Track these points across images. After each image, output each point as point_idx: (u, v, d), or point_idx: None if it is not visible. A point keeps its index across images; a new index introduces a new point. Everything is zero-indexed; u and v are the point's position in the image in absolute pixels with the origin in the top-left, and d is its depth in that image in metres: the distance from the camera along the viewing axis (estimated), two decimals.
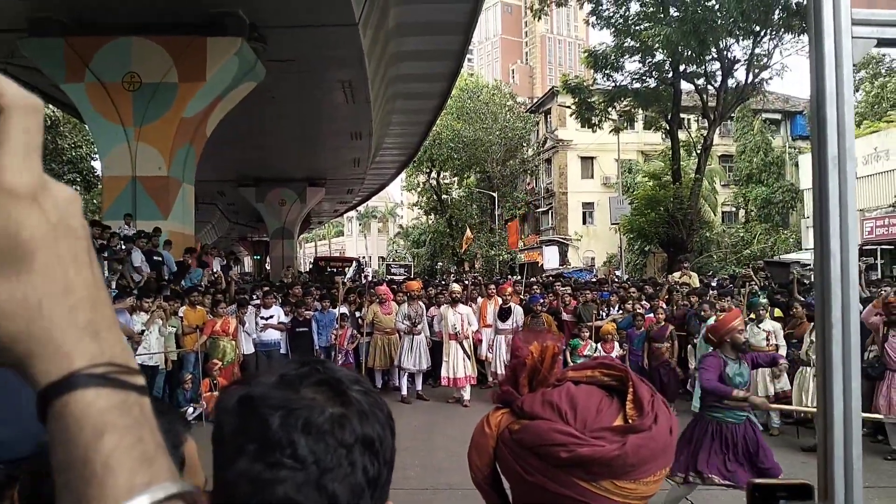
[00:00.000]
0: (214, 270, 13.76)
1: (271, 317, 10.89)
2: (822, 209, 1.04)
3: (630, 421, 1.08)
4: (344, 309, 11.63)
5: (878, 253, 27.42)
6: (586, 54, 23.06)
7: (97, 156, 18.57)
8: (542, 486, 1.06)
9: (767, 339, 9.08)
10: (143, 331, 8.85)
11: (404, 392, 10.89)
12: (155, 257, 12.13)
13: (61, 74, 12.37)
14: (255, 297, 11.82)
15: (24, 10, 11.76)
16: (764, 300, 9.90)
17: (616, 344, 10.27)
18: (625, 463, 1.03)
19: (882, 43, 1.09)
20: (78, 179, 30.03)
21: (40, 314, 0.44)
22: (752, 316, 9.43)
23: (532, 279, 18.50)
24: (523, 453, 1.09)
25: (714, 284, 15.59)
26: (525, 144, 42.02)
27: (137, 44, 12.24)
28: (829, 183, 1.03)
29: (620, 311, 11.89)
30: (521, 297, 13.10)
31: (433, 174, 43.87)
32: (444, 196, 45.11)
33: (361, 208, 57.53)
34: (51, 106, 24.10)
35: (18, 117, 0.46)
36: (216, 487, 0.70)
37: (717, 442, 5.18)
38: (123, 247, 11.59)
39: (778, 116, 38.77)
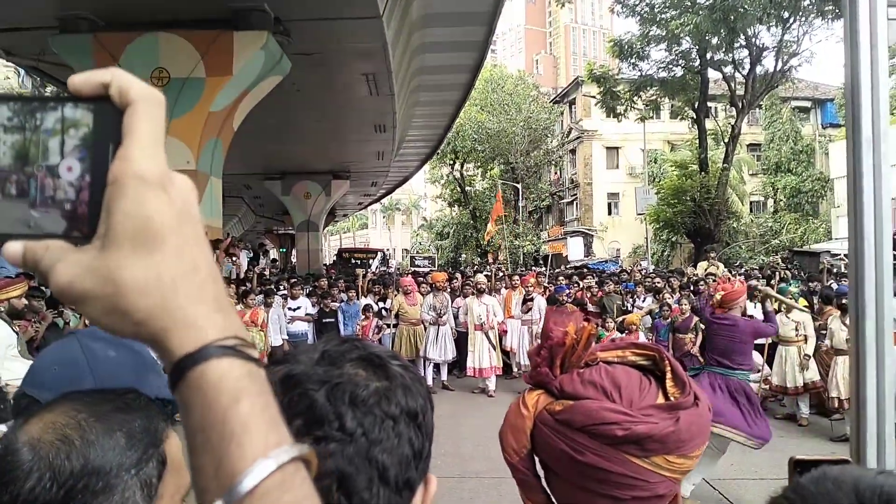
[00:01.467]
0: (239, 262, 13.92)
1: (299, 308, 11.01)
2: (856, 190, 1.04)
3: (673, 398, 1.09)
4: (369, 300, 11.70)
5: None
6: (611, 43, 22.84)
7: None
8: (593, 464, 1.07)
9: (796, 330, 8.96)
10: None
11: (429, 382, 10.95)
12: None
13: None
14: (282, 288, 11.94)
15: (53, 9, 11.95)
16: (794, 289, 9.76)
17: (640, 335, 10.21)
18: (678, 438, 1.05)
19: None
20: None
21: (174, 291, 0.48)
22: (783, 306, 9.28)
23: (557, 270, 18.45)
24: (572, 433, 1.10)
25: (741, 274, 15.41)
26: (549, 135, 41.75)
27: (165, 39, 12.36)
28: (863, 165, 1.03)
29: (654, 300, 11.78)
30: (546, 287, 13.07)
31: (456, 166, 43.81)
32: (467, 188, 45.05)
33: (385, 201, 57.70)
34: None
35: (146, 110, 0.50)
36: None
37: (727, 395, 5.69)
38: None
39: (808, 104, 38.03)
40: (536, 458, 1.19)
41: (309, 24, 12.85)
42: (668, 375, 1.11)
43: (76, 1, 11.73)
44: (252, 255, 16.13)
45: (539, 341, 1.25)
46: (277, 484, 0.46)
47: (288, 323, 10.84)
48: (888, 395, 1.09)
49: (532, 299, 11.48)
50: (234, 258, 13.50)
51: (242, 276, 12.80)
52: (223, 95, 12.60)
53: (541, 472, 1.21)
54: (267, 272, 14.30)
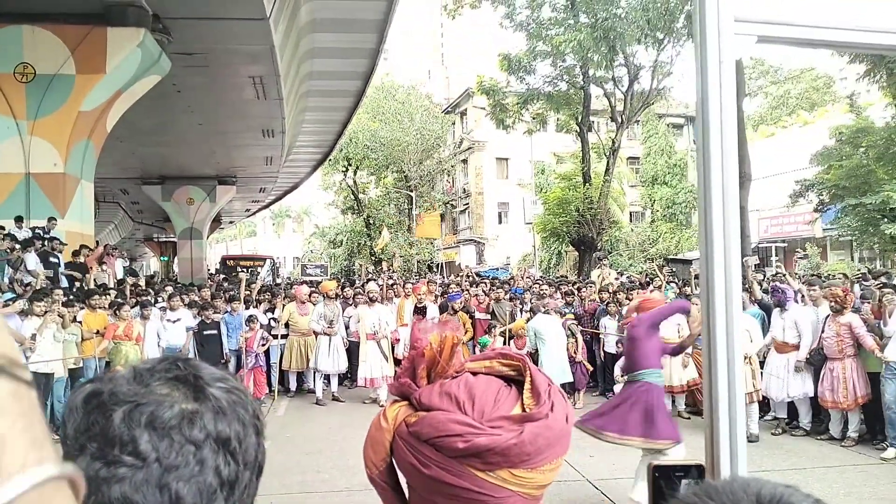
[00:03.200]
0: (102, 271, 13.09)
1: (178, 320, 10.47)
2: (706, 200, 1.08)
3: (528, 409, 1.08)
4: (254, 310, 11.32)
5: (773, 250, 29.27)
6: (500, 57, 23.42)
7: None
8: (439, 478, 1.04)
9: (678, 331, 9.45)
10: (33, 335, 8.29)
11: (319, 395, 10.73)
12: (51, 258, 11.45)
13: None
14: (160, 299, 11.34)
15: None
16: (671, 294, 10.32)
17: (528, 341, 10.40)
18: (521, 451, 1.03)
19: (762, 40, 1.15)
20: None
21: None
22: None
23: (450, 278, 18.63)
24: (420, 445, 1.07)
25: (626, 281, 16.20)
26: (442, 145, 42.26)
27: (30, 32, 11.53)
28: (711, 175, 1.07)
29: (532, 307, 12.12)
30: (437, 296, 13.15)
31: (349, 173, 43.43)
32: (360, 195, 44.74)
33: (275, 207, 56.26)
34: None
35: None
36: None
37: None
38: (17, 247, 10.89)
39: (681, 121, 40.63)
40: (400, 472, 1.16)
41: (192, 23, 12.37)
42: (527, 386, 1.10)
43: None
44: (128, 263, 15.23)
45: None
46: (33, 502, 0.45)
47: (165, 332, 10.29)
48: (739, 399, 1.13)
49: (425, 307, 11.50)
50: (103, 267, 12.70)
51: (115, 284, 12.03)
52: (95, 94, 11.89)
53: (405, 487, 1.18)
54: (143, 282, 13.51)
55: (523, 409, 1.08)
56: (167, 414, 0.64)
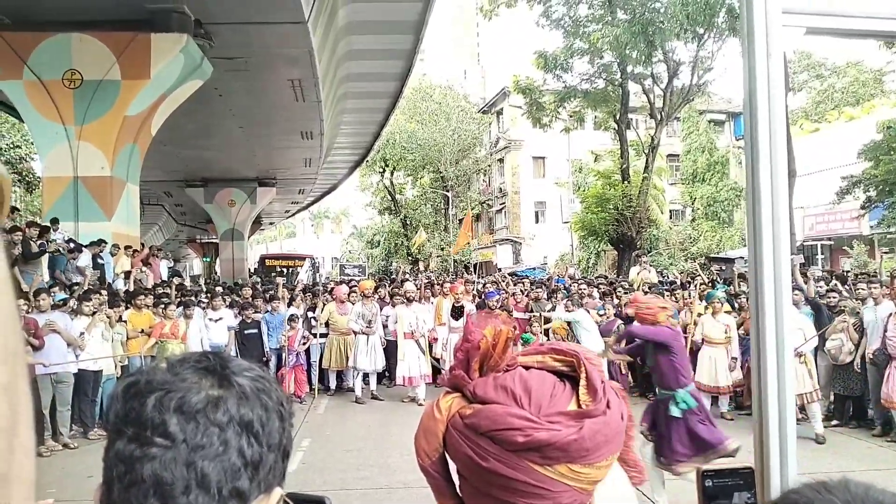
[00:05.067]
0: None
1: (220, 319, 10.67)
2: (755, 191, 1.06)
3: (584, 405, 1.08)
4: (294, 310, 11.47)
5: (819, 248, 28.51)
6: (537, 56, 23.29)
7: (37, 156, 17.92)
8: (495, 471, 1.05)
9: (726, 332, 9.29)
10: (82, 333, 8.55)
11: (358, 393, 10.81)
12: (99, 259, 11.80)
13: None
14: (203, 299, 11.57)
15: None
16: (721, 293, 10.10)
17: (570, 330, 10.31)
18: (581, 447, 1.03)
19: (811, 31, 1.12)
20: (17, 180, 28.90)
21: None
22: (710, 309, 9.59)
23: (487, 278, 18.60)
24: (477, 438, 1.07)
25: (666, 280, 15.96)
26: (478, 144, 42.22)
27: (78, 40, 11.88)
28: (760, 171, 1.06)
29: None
30: (475, 295, 13.15)
31: (386, 174, 43.70)
32: (397, 196, 44.98)
33: (314, 209, 56.89)
34: None
35: None
36: (103, 473, 0.72)
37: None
38: (72, 246, 11.32)
39: (722, 117, 39.85)
40: (451, 463, 1.17)
41: (232, 28, 12.58)
42: (583, 382, 1.10)
43: None
44: (172, 264, 15.59)
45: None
46: None
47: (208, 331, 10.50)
48: (789, 398, 1.11)
49: (462, 307, 11.51)
50: (144, 269, 13.00)
51: (159, 284, 12.32)
52: (140, 99, 12.18)
53: (456, 478, 1.18)
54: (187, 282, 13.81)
55: (579, 405, 1.08)
56: (194, 399, 0.70)
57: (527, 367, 1.16)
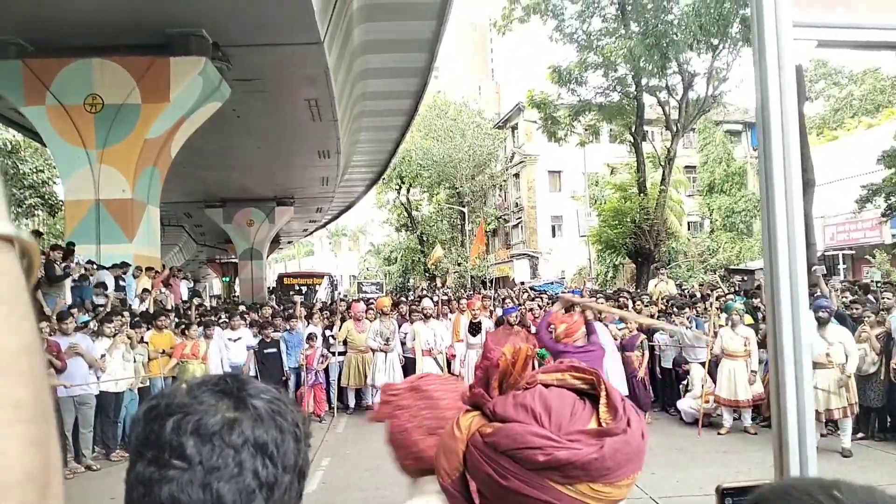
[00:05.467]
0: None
1: (239, 339, 10.74)
2: (769, 209, 1.06)
3: (605, 424, 1.07)
4: (313, 328, 11.51)
5: (840, 258, 28.13)
6: (550, 70, 23.34)
7: (60, 180, 18.23)
8: (516, 490, 1.05)
9: (745, 345, 9.16)
10: (103, 355, 8.63)
11: None
12: (121, 281, 11.94)
13: (20, 97, 12.17)
14: (222, 318, 11.65)
15: None
16: (740, 305, 9.97)
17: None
18: (602, 466, 1.02)
19: (822, 44, 1.12)
20: (40, 204, 29.38)
21: None
22: (730, 321, 9.47)
23: (501, 292, 18.55)
24: (497, 457, 1.07)
25: (684, 293, 15.80)
26: (493, 160, 42.31)
27: (98, 65, 12.09)
28: (774, 183, 1.05)
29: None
30: (492, 310, 13.10)
31: (403, 191, 43.88)
32: (414, 212, 45.12)
33: (332, 227, 57.20)
34: (11, 130, 23.66)
35: None
36: (124, 495, 0.74)
37: None
38: (94, 267, 11.45)
39: (739, 127, 39.62)
40: (471, 482, 1.17)
41: (249, 50, 12.75)
42: (603, 401, 1.10)
43: (4, 25, 11.35)
44: (192, 284, 15.75)
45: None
46: None
47: (227, 351, 10.57)
48: (808, 411, 1.10)
49: (479, 323, 11.47)
50: (164, 289, 13.14)
51: (179, 305, 12.43)
52: (160, 122, 12.35)
53: (476, 498, 1.18)
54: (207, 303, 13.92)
55: (599, 424, 1.07)
56: (211, 421, 0.72)
57: (546, 385, 1.16)
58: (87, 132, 12.19)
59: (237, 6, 10.98)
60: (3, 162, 28.03)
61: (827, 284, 10.62)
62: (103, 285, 11.26)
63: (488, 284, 32.88)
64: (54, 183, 28.79)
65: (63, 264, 11.06)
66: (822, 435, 8.10)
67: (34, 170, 28.99)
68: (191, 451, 0.69)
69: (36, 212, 29.62)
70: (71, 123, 12.15)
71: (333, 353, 11.41)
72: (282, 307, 14.51)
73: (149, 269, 13.03)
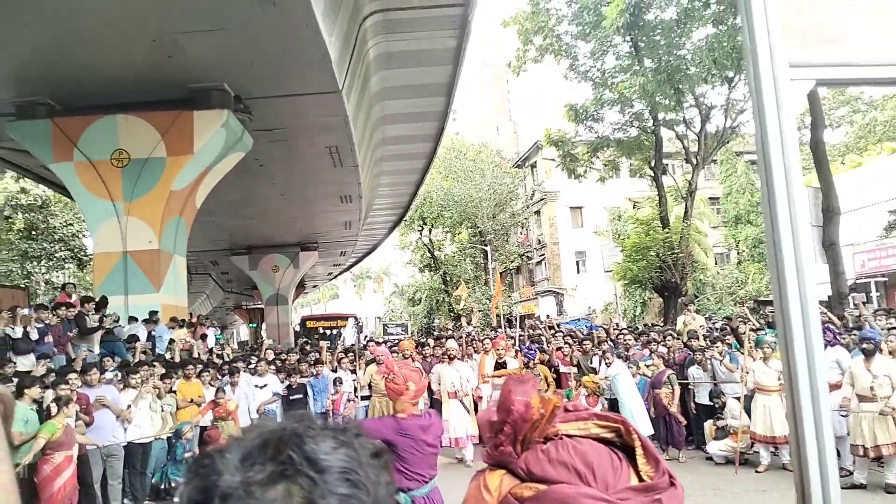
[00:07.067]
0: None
1: (265, 385, 10.74)
2: (776, 247, 1.06)
3: (647, 477, 1.04)
4: (339, 372, 11.49)
5: (873, 286, 27.52)
6: (567, 108, 23.53)
7: (89, 232, 18.62)
8: None
9: (779, 378, 8.89)
10: (129, 406, 8.66)
11: None
12: (152, 333, 12.05)
13: (49, 155, 12.52)
14: (248, 364, 11.69)
15: (10, 95, 12.01)
16: (771, 338, 9.73)
17: (600, 398, 9.74)
18: None
19: (822, 83, 1.13)
20: (70, 257, 30.01)
21: None
22: (762, 354, 9.25)
23: (517, 331, 18.36)
24: None
25: (713, 326, 15.51)
26: (514, 198, 42.46)
27: (124, 121, 12.43)
28: (780, 223, 1.05)
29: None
30: (518, 350, 12.96)
31: (425, 231, 44.09)
32: (437, 252, 45.23)
33: (356, 269, 57.46)
34: (41, 186, 24.33)
35: None
36: None
37: None
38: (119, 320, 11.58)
39: None
40: None
41: (270, 101, 13.04)
42: (640, 452, 1.06)
43: (33, 86, 11.77)
44: (219, 331, 15.85)
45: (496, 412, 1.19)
46: None
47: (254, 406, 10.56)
48: (829, 445, 1.08)
49: (504, 363, 11.34)
50: (198, 339, 13.25)
51: (206, 354, 12.50)
52: (185, 174, 12.61)
53: None
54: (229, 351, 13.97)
55: (639, 477, 1.04)
56: None
57: (570, 436, 1.11)
58: (115, 185, 12.47)
59: (257, 59, 11.28)
60: (35, 217, 28.76)
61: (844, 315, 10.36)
62: (135, 337, 11.37)
63: (514, 322, 32.64)
64: (84, 236, 29.43)
65: (96, 316, 11.20)
66: (869, 470, 7.83)
67: (64, 224, 29.70)
68: None
69: (66, 265, 30.23)
70: (98, 178, 12.45)
71: (358, 398, 11.35)
72: (305, 352, 14.51)
73: (183, 321, 13.07)
